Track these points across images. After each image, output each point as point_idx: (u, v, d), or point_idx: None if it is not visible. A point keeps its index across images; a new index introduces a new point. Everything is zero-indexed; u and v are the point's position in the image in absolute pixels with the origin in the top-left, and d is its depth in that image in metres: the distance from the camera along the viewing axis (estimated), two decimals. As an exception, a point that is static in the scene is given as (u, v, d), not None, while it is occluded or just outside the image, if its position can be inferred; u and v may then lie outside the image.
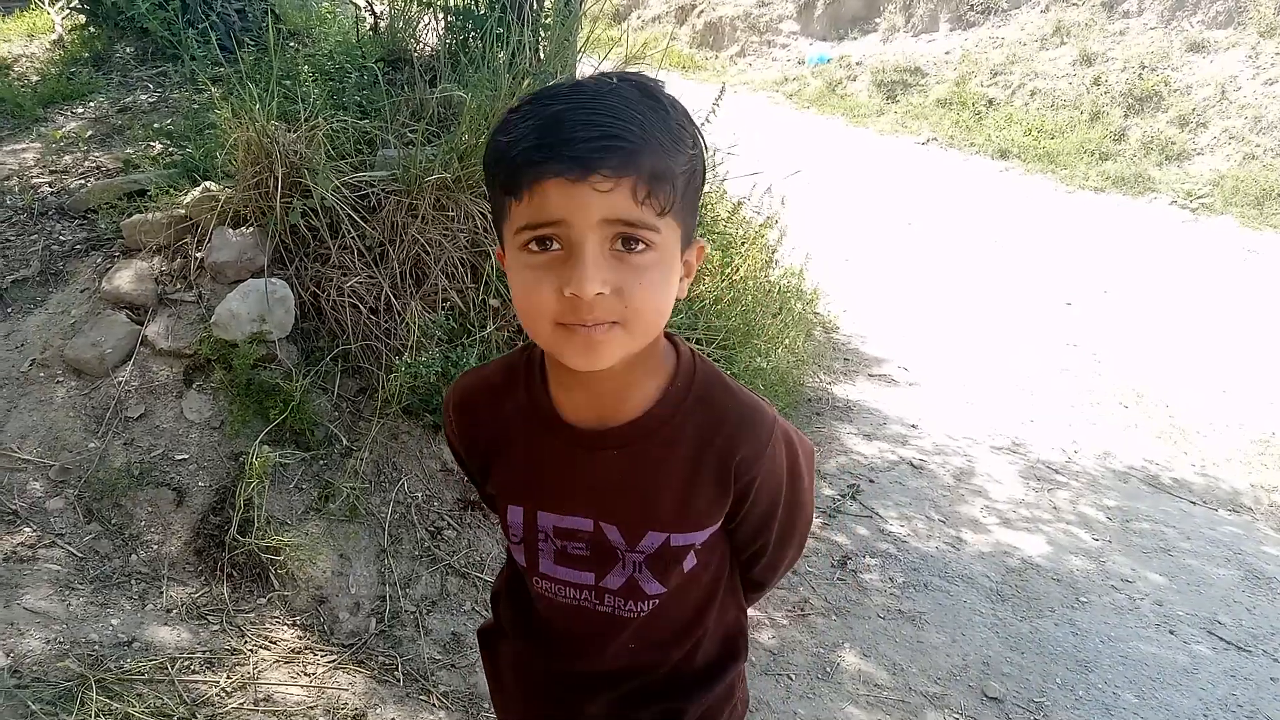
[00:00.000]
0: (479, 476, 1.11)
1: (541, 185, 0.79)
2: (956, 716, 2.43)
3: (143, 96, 4.04)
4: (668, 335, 0.98)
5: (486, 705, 2.21)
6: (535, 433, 1.00)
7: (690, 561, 1.02)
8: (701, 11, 14.13)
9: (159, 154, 3.34)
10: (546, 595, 1.07)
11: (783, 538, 1.08)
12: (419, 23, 3.92)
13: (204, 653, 2.14)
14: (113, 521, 2.44)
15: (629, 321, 0.83)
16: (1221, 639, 2.85)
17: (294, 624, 2.31)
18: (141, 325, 2.75)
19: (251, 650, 2.19)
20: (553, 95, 0.83)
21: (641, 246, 0.82)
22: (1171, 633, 2.86)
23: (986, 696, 2.51)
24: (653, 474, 0.98)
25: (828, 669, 2.54)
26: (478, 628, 1.30)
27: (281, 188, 2.71)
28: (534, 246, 0.82)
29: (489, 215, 2.90)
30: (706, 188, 4.00)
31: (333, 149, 2.88)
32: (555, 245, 0.81)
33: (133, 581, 2.32)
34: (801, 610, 2.76)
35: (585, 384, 0.95)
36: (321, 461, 2.62)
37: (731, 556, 1.10)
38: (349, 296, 2.77)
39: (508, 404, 1.02)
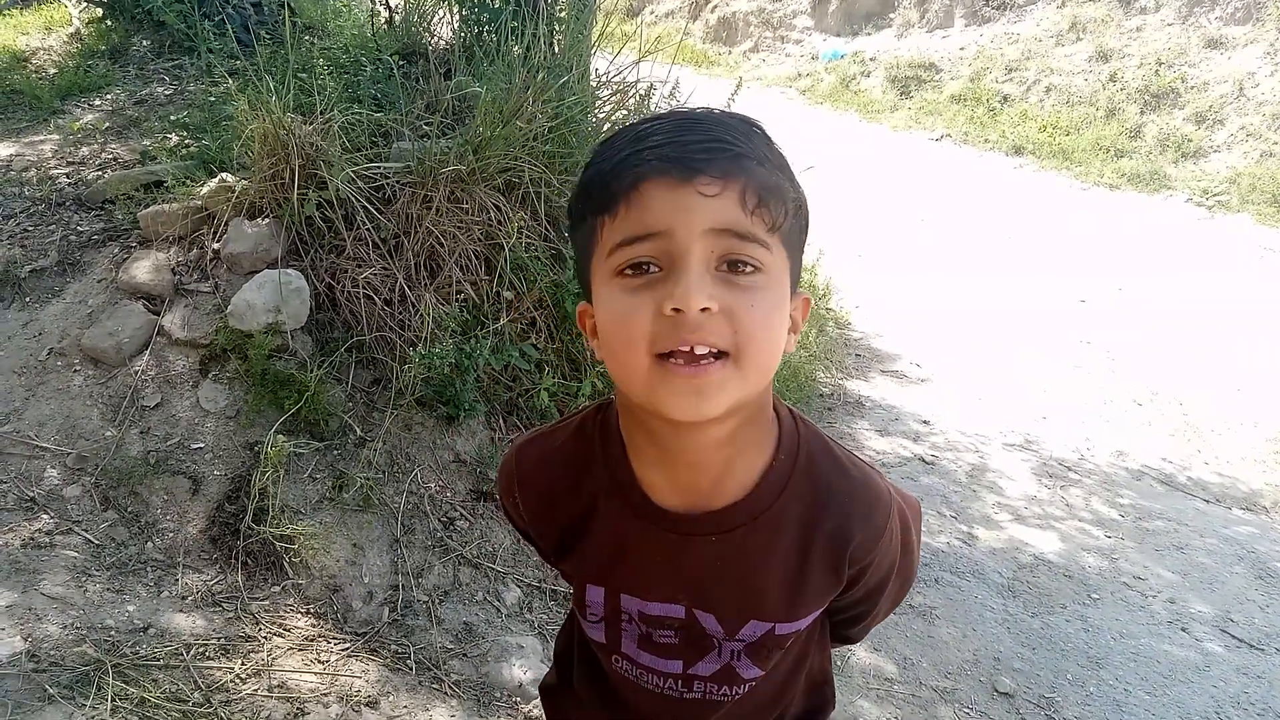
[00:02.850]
0: (550, 555, 0.99)
1: (641, 189, 0.71)
2: (967, 711, 2.43)
3: (159, 89, 4.07)
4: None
5: (498, 694, 2.23)
6: (619, 516, 0.88)
7: (790, 641, 0.93)
8: (715, 6, 14.09)
9: (175, 146, 3.37)
10: (627, 677, 0.96)
11: (884, 603, 1.00)
12: (434, 16, 3.94)
13: (219, 639, 2.16)
14: (129, 509, 2.46)
15: (739, 354, 0.71)
16: (1234, 637, 2.83)
17: (308, 612, 2.33)
18: (158, 315, 2.78)
19: (266, 637, 2.21)
20: (647, 119, 0.76)
21: (751, 268, 0.72)
22: (1184, 630, 2.84)
23: (997, 691, 2.50)
24: (757, 562, 0.86)
25: (838, 663, 2.54)
26: (539, 683, 1.19)
27: (297, 179, 2.73)
28: (629, 271, 0.73)
29: (503, 209, 2.91)
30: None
31: (348, 141, 2.90)
32: (654, 269, 0.72)
33: (149, 568, 2.35)
34: (812, 604, 2.76)
35: (681, 458, 0.83)
36: (335, 451, 2.64)
37: (824, 616, 0.99)
38: (363, 288, 2.79)
39: (585, 482, 0.89)
